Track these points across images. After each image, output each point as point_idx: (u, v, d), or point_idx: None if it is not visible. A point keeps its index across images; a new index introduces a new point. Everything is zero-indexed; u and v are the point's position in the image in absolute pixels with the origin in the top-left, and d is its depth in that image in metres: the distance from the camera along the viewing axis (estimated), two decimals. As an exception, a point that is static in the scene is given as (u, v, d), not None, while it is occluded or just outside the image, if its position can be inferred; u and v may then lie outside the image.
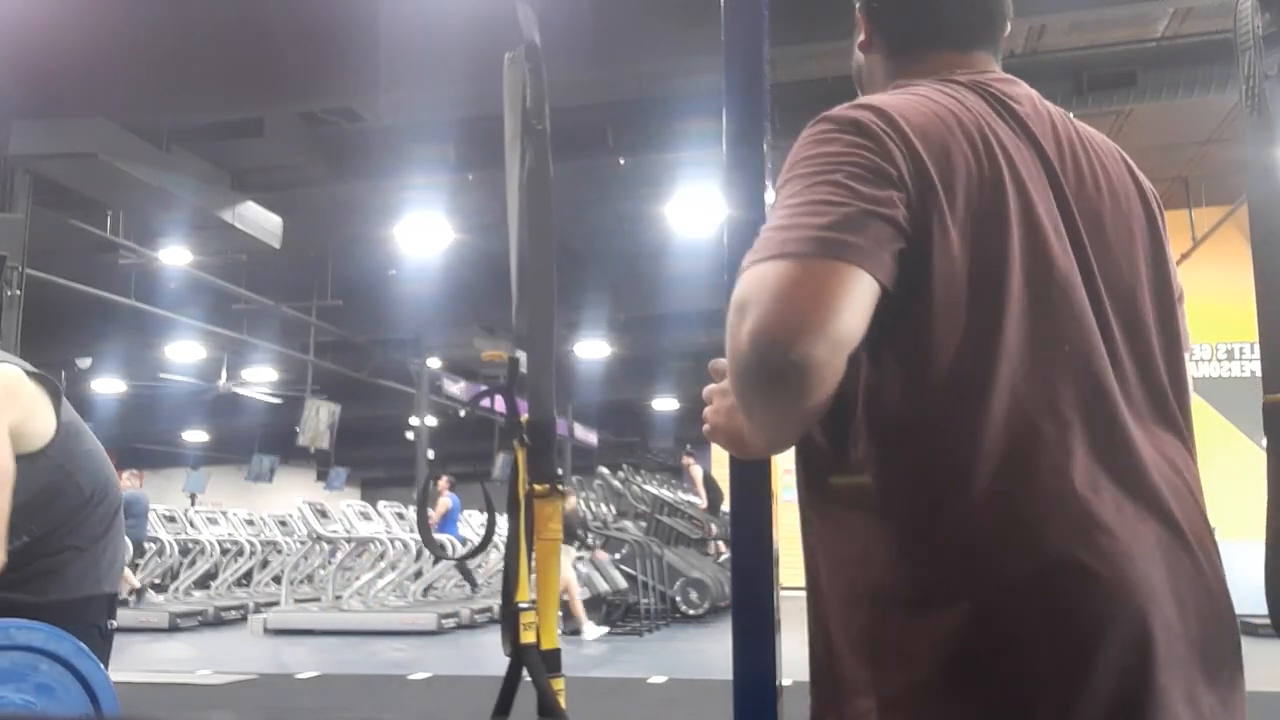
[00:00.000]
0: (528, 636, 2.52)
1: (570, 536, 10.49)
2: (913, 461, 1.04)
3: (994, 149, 1.10)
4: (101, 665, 1.90)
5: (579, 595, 10.35)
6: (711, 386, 1.16)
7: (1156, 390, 1.12)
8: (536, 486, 2.60)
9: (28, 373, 2.22)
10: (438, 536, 12.03)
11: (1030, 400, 1.02)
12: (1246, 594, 1.40)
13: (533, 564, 2.64)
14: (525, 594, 2.57)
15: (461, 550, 11.70)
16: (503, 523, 2.94)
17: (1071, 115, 1.24)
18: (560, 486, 2.62)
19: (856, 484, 1.06)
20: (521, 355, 2.72)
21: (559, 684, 2.55)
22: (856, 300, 0.95)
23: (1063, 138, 1.17)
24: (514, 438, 2.62)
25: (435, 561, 11.91)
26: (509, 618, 2.56)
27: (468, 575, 13.14)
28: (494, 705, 2.46)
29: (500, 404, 2.87)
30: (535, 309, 2.68)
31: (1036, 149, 1.14)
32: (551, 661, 2.56)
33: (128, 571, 12.08)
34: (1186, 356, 1.27)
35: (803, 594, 1.14)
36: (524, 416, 2.67)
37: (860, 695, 1.04)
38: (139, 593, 12.09)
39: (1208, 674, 1.01)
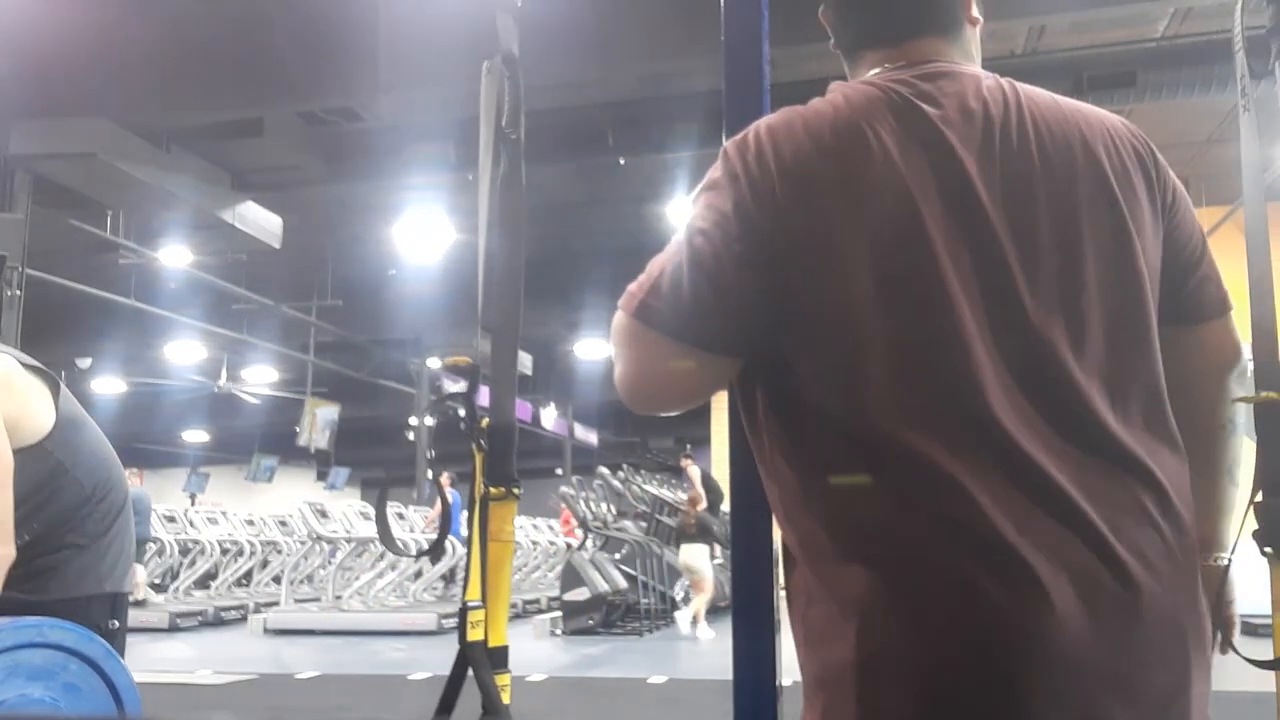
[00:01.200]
0: (474, 634, 2.56)
1: (707, 535, 10.55)
2: (811, 494, 1.07)
3: (872, 153, 1.07)
4: (127, 669, 1.90)
5: (703, 596, 10.44)
6: None
7: (1116, 385, 1.07)
8: (492, 489, 2.62)
9: (24, 365, 2.18)
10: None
11: (913, 423, 1.01)
12: (1245, 594, 1.40)
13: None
14: (475, 593, 2.61)
15: (460, 548, 11.70)
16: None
17: (1021, 91, 1.15)
18: (515, 490, 2.64)
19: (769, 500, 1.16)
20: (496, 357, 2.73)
21: (504, 680, 2.58)
22: (697, 379, 1.12)
23: (996, 128, 1.10)
24: (472, 441, 2.64)
25: (434, 561, 11.91)
26: (460, 615, 2.62)
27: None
28: (437, 703, 2.48)
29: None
30: (501, 317, 2.69)
31: (938, 146, 1.08)
32: (498, 659, 2.59)
33: (141, 573, 12.01)
34: (1213, 326, 1.25)
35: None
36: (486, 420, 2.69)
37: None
38: (139, 602, 11.98)
39: (1125, 696, 0.98)
